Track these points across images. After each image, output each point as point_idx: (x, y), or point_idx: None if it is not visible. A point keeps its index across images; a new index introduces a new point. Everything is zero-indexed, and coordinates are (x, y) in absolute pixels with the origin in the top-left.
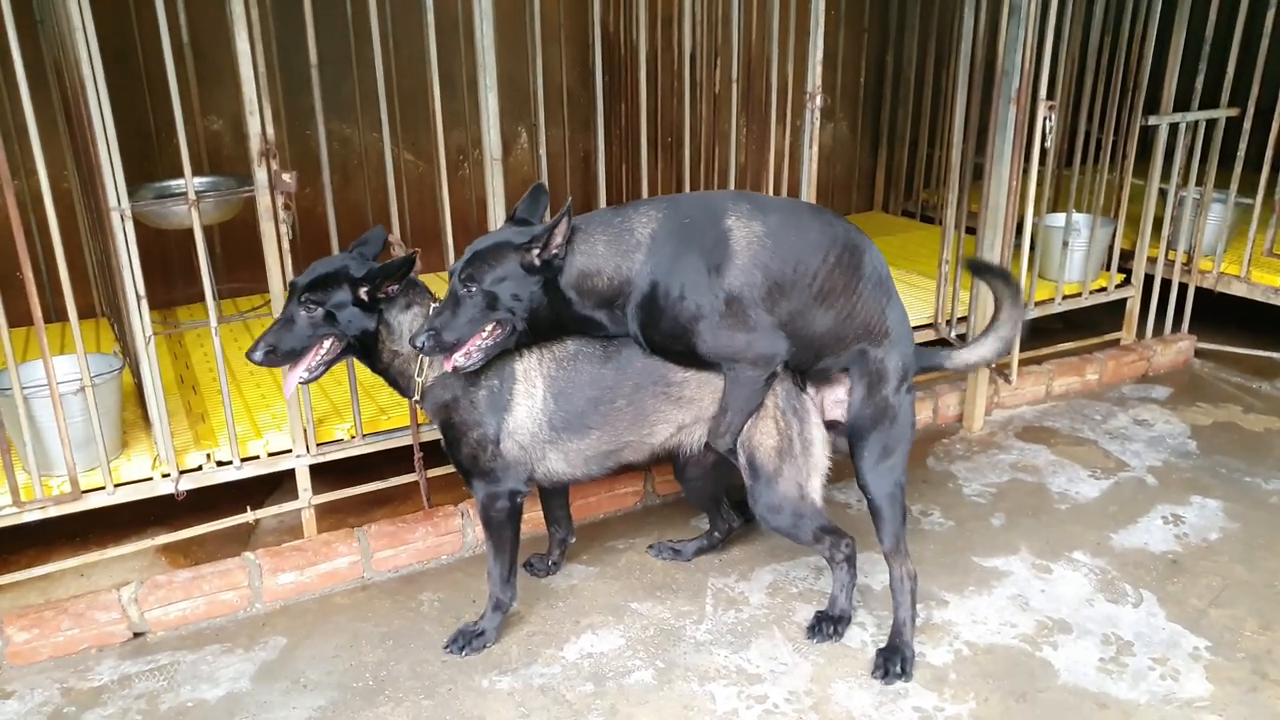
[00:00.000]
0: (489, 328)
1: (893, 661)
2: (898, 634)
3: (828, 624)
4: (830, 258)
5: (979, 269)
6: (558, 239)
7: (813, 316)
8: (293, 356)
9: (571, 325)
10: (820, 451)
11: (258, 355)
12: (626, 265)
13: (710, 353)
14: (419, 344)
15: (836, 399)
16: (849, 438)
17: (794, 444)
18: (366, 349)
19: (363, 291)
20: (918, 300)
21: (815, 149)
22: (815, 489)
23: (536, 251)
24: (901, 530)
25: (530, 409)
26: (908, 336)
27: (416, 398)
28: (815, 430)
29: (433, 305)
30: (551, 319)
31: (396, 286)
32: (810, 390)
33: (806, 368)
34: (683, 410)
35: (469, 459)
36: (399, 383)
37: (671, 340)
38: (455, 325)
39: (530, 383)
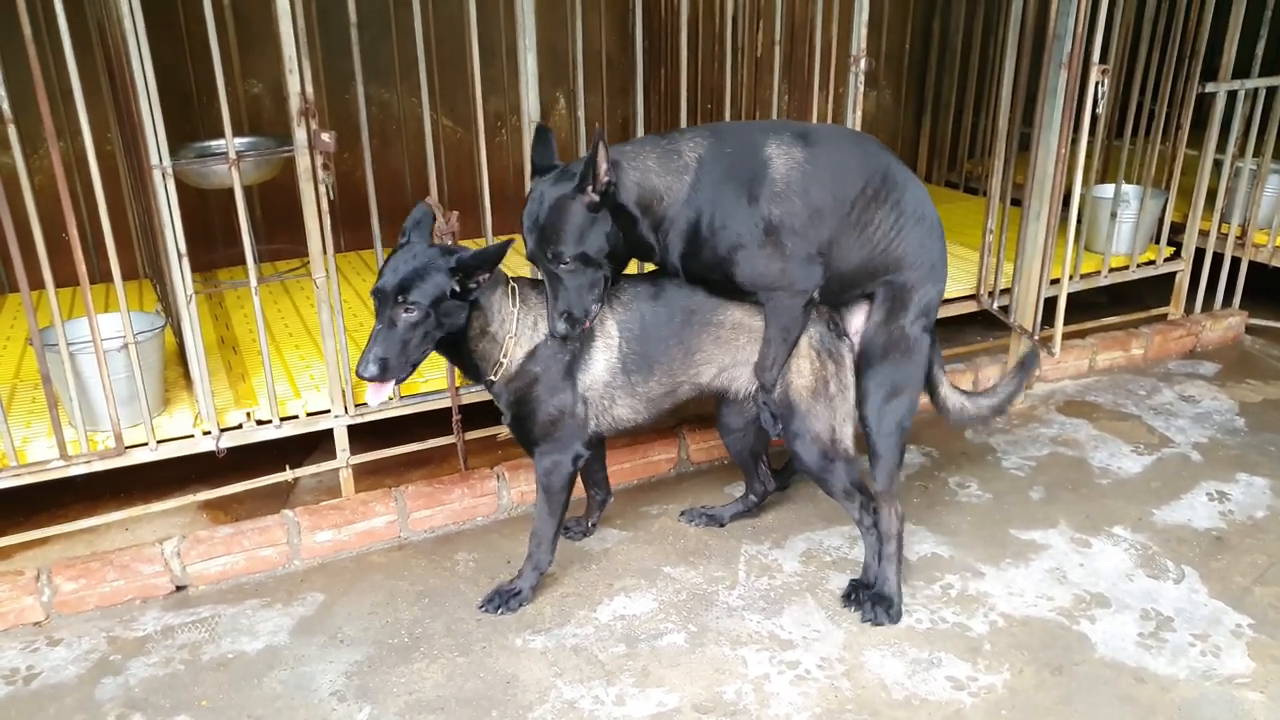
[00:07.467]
0: (594, 286)
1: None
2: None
3: (863, 592)
4: (869, 189)
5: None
6: (600, 166)
7: (849, 246)
8: (406, 365)
9: (633, 249)
10: (855, 398)
11: (371, 370)
12: (677, 185)
13: (747, 280)
14: (561, 331)
15: (854, 328)
16: (859, 367)
17: (829, 385)
18: (452, 339)
19: (456, 282)
20: (960, 272)
21: (859, 114)
22: (848, 435)
23: (590, 188)
24: (896, 471)
25: (608, 359)
26: (943, 275)
27: (493, 378)
28: (851, 376)
29: (509, 280)
30: (622, 243)
31: (488, 275)
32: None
33: (833, 300)
34: (723, 350)
35: (545, 427)
36: (480, 366)
37: (710, 269)
38: (575, 299)
39: (607, 334)
